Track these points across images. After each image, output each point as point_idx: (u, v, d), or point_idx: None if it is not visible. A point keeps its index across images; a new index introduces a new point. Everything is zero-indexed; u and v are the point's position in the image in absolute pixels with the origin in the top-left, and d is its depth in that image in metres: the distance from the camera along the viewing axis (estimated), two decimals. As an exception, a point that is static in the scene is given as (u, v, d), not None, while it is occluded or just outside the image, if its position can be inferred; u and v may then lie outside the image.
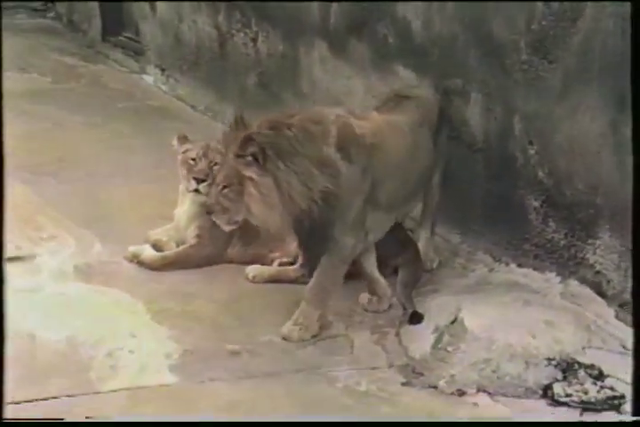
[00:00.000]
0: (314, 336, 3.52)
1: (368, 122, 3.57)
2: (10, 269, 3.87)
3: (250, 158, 3.33)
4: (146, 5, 6.76)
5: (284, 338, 3.51)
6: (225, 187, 3.39)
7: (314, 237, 3.43)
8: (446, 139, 4.05)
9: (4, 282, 2.19)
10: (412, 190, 3.79)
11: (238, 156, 3.34)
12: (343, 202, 3.42)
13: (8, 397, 3.02)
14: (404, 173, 3.65)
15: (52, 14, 8.05)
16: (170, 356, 3.37)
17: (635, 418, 2.52)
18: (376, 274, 3.75)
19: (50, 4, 8.01)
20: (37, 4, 8.02)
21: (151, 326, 3.56)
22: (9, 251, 4.04)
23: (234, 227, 3.51)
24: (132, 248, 4.06)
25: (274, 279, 3.93)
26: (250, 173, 3.33)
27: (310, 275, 3.56)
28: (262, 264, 4.00)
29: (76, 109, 5.91)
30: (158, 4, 6.60)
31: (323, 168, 3.37)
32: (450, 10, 4.25)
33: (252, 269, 3.95)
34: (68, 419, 2.96)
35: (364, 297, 3.76)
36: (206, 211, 3.50)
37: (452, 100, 4.26)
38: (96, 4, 7.37)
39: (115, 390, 3.16)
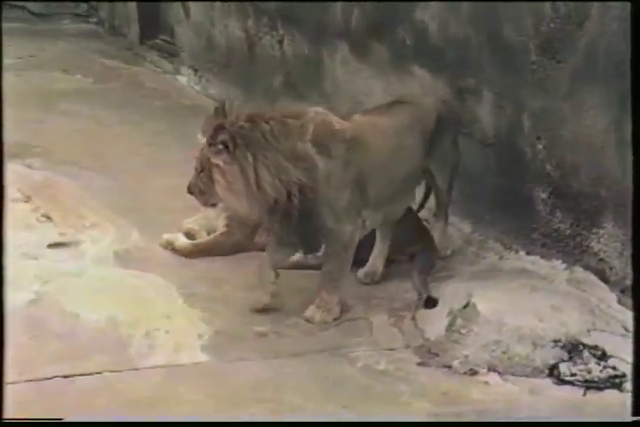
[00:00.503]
0: (335, 319, 3.52)
1: (349, 120, 3.55)
2: (56, 254, 3.96)
3: (220, 146, 3.33)
4: (180, 10, 6.77)
5: (307, 320, 3.51)
6: (200, 171, 3.41)
7: (303, 226, 3.41)
8: (452, 141, 3.94)
9: (3, 282, 2.15)
10: (399, 190, 3.69)
11: (210, 144, 3.35)
12: (326, 194, 3.40)
13: (56, 371, 3.08)
14: (387, 172, 3.59)
15: (94, 19, 8.08)
16: (202, 336, 3.38)
17: (635, 418, 2.47)
18: None
19: (93, 10, 8.03)
20: (81, 10, 8.05)
21: (184, 308, 3.57)
22: (55, 237, 4.10)
23: (212, 208, 3.56)
24: (166, 236, 4.08)
25: (298, 266, 3.93)
26: (217, 160, 3.34)
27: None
28: None
29: (116, 108, 5.94)
30: (192, 9, 6.61)
31: (297, 162, 3.35)
32: (464, 13, 4.23)
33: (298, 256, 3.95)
34: (105, 397, 2.99)
35: (361, 272, 3.83)
36: (187, 190, 3.50)
37: (465, 99, 4.25)
38: (135, 10, 7.38)
39: (152, 367, 3.18)
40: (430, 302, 3.60)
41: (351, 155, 3.45)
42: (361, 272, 3.84)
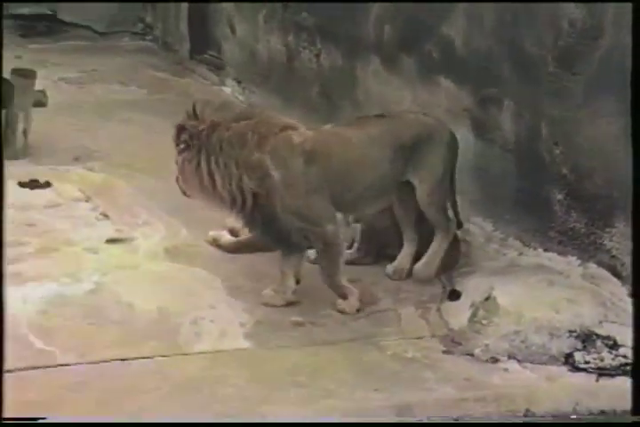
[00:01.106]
0: (358, 310, 3.50)
1: (314, 132, 3.54)
2: (113, 249, 3.99)
3: (182, 146, 3.41)
4: (227, 28, 6.80)
5: (339, 311, 3.51)
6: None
7: (271, 228, 3.47)
8: (442, 160, 3.72)
9: (3, 282, 2.14)
10: (367, 196, 3.61)
11: (175, 142, 3.45)
12: (289, 202, 3.41)
13: (114, 354, 3.10)
14: (352, 179, 3.54)
15: (150, 37, 8.16)
16: (244, 325, 3.39)
17: (635, 418, 2.40)
18: None
19: (148, 29, 8.13)
20: (139, 29, 8.14)
21: (227, 299, 3.58)
22: (112, 234, 4.13)
23: (191, 198, 3.62)
24: (211, 233, 4.09)
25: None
26: (179, 157, 3.45)
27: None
28: (309, 248, 3.99)
29: (167, 116, 5.90)
30: (238, 27, 6.63)
31: (250, 171, 3.38)
32: (487, 28, 4.21)
33: (313, 253, 3.94)
34: (156, 378, 3.00)
35: (389, 267, 3.81)
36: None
37: (487, 107, 4.22)
38: (186, 28, 7.45)
39: (198, 353, 3.20)
40: (454, 295, 3.59)
41: (310, 166, 3.43)
42: (389, 269, 3.82)
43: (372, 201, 3.68)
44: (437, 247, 3.75)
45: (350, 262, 3.89)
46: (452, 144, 3.78)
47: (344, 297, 3.52)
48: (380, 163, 3.61)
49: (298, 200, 3.44)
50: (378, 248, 3.94)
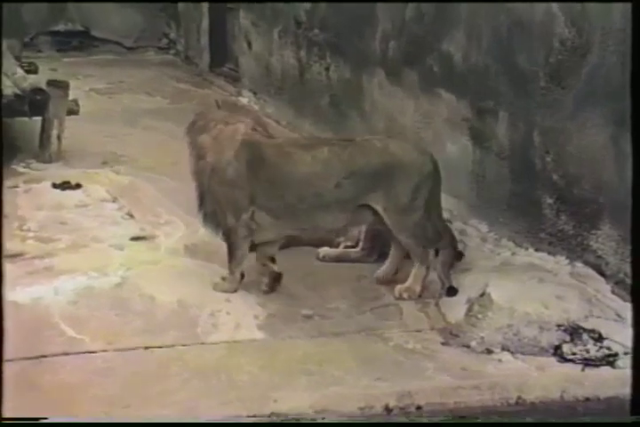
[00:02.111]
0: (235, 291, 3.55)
1: (264, 136, 3.56)
2: (137, 246, 3.99)
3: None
4: (244, 43, 6.81)
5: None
6: None
7: (202, 209, 3.60)
8: (412, 190, 3.48)
9: (3, 281, 2.13)
10: (308, 209, 3.49)
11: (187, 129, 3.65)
12: (214, 186, 3.49)
13: (138, 343, 3.11)
14: (279, 188, 3.47)
15: (173, 51, 8.19)
16: (257, 317, 3.39)
17: (635, 418, 2.37)
18: None
19: (172, 44, 8.17)
20: (163, 44, 8.20)
21: (242, 293, 3.57)
22: (136, 232, 4.14)
23: None
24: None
25: (339, 259, 3.93)
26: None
27: None
28: (330, 247, 4.00)
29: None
30: (254, 42, 6.64)
31: (195, 151, 3.54)
32: (484, 46, 4.21)
33: (322, 251, 3.95)
34: (177, 365, 3.01)
35: (377, 272, 3.71)
36: None
37: (484, 118, 4.22)
38: (207, 43, 7.47)
39: (216, 343, 3.20)
40: (452, 291, 3.58)
41: (239, 160, 3.45)
42: (377, 272, 3.74)
43: (319, 216, 3.51)
44: (417, 273, 3.57)
45: (356, 260, 3.90)
46: (430, 173, 3.54)
47: (223, 278, 3.56)
48: (318, 182, 3.45)
49: (220, 187, 3.47)
50: (381, 248, 3.94)
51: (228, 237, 3.55)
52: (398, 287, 3.58)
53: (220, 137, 3.50)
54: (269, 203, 3.50)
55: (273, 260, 3.63)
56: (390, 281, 3.68)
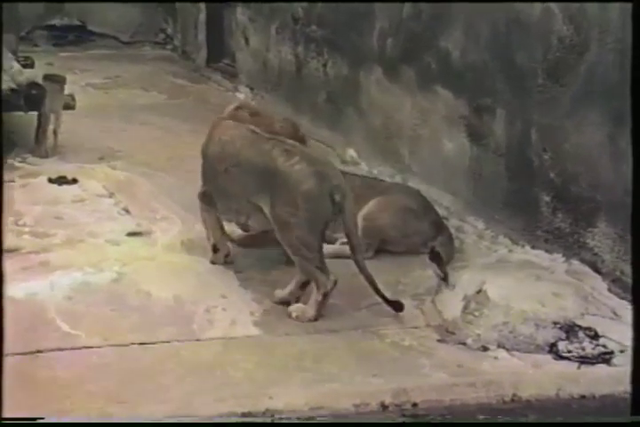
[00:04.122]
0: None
1: (230, 129, 3.62)
2: (133, 241, 3.98)
3: None
4: (241, 39, 6.80)
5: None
6: None
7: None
8: (271, 205, 3.30)
9: (3, 281, 2.12)
10: (238, 206, 3.55)
11: None
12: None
13: (133, 339, 3.10)
14: (219, 180, 3.59)
15: (170, 46, 8.17)
16: (254, 314, 3.37)
17: (635, 418, 2.35)
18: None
19: (169, 39, 8.15)
20: (160, 39, 8.17)
21: (239, 290, 3.56)
22: (133, 227, 4.13)
23: None
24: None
25: (336, 255, 3.92)
26: None
27: None
28: (327, 243, 3.99)
29: (185, 119, 5.96)
30: (251, 38, 6.62)
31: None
32: (482, 43, 4.20)
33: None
34: (173, 362, 3.00)
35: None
36: None
37: (481, 115, 4.21)
38: (204, 39, 7.45)
39: (211, 339, 3.19)
40: (447, 279, 3.60)
41: (207, 148, 3.67)
42: (277, 292, 3.46)
43: (238, 213, 3.58)
44: (315, 296, 3.30)
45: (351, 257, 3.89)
46: (314, 196, 3.22)
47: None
48: (216, 164, 3.60)
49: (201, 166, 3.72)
50: (378, 244, 3.94)
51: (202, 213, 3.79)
52: (293, 306, 3.33)
53: (215, 126, 3.71)
54: (213, 192, 3.67)
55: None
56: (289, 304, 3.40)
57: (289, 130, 3.71)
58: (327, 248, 3.93)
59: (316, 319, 3.28)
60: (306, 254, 3.29)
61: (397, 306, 3.33)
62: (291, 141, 3.43)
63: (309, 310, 3.31)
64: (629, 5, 3.19)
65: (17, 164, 4.94)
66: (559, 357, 3.13)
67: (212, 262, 3.75)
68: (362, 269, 3.32)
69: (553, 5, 3.73)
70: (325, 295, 3.29)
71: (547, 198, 3.87)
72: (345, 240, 3.97)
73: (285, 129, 3.69)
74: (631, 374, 2.21)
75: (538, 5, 3.82)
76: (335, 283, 3.30)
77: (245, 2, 6.65)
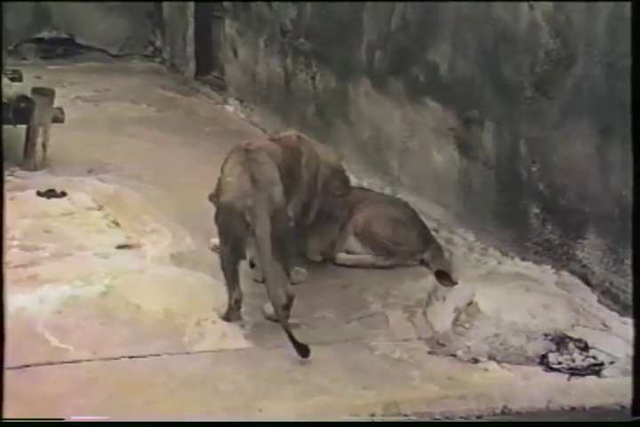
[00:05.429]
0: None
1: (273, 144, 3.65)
2: (122, 254, 3.97)
3: None
4: (230, 52, 6.81)
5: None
6: None
7: None
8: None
9: (3, 282, 2.12)
10: None
11: None
12: None
13: (123, 352, 3.09)
14: None
15: (159, 59, 8.18)
16: (244, 326, 3.37)
17: (635, 418, 2.36)
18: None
19: (157, 52, 8.16)
20: (148, 52, 8.18)
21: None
22: (122, 240, 4.11)
23: None
24: (214, 241, 4.04)
25: (357, 264, 3.95)
26: None
27: None
28: (328, 259, 4.01)
29: (174, 132, 5.97)
30: (240, 50, 6.64)
31: None
32: (470, 55, 4.23)
33: (341, 256, 3.96)
34: (163, 375, 2.99)
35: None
36: None
37: (470, 127, 4.23)
38: (192, 51, 7.46)
39: (201, 352, 3.19)
40: (442, 275, 3.68)
41: None
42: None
43: None
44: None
45: (373, 265, 3.93)
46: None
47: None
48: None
49: None
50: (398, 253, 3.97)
51: None
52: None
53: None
54: None
55: None
56: None
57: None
58: (348, 258, 3.95)
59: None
60: (222, 264, 3.41)
61: (303, 350, 3.09)
62: (265, 157, 3.41)
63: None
64: (616, 18, 3.24)
65: (5, 177, 4.93)
66: (549, 368, 3.13)
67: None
68: (269, 294, 3.23)
69: (539, 19, 3.76)
70: (230, 307, 3.35)
71: (536, 210, 3.89)
72: (351, 248, 3.99)
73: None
74: (632, 374, 2.22)
75: (525, 19, 3.85)
76: (237, 302, 3.35)
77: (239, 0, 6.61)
